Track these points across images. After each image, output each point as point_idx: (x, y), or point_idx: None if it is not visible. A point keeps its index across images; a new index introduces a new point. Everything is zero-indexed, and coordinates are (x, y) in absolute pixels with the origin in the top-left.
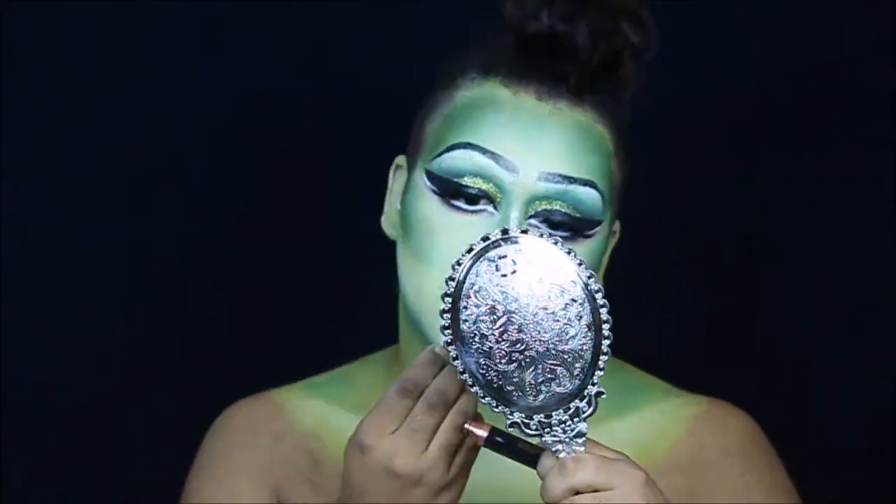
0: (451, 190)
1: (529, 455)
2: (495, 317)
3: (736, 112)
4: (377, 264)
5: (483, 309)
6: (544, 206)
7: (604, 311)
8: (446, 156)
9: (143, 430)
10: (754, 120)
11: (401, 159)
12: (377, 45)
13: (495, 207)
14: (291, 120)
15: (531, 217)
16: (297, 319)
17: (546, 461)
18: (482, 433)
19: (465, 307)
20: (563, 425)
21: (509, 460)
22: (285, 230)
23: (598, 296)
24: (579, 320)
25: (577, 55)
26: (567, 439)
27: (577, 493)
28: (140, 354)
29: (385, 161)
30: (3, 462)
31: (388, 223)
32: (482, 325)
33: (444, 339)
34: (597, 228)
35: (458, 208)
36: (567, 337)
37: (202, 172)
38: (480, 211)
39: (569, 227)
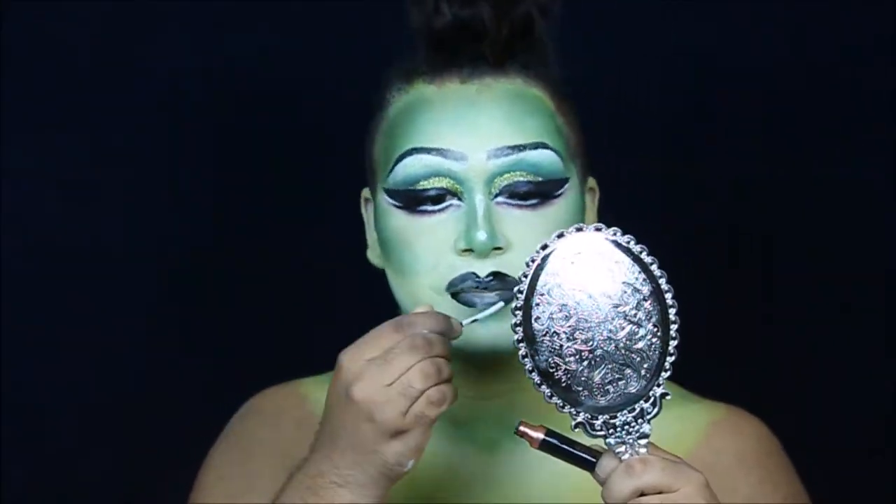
0: (412, 199)
1: (586, 457)
2: (566, 314)
3: (736, 112)
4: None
5: (554, 307)
6: (505, 180)
7: (672, 311)
8: (397, 168)
9: (144, 430)
10: (755, 120)
11: (366, 192)
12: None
13: (460, 199)
14: (293, 120)
15: (497, 196)
16: (297, 319)
17: (607, 463)
18: (538, 435)
19: (538, 304)
20: (627, 426)
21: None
22: (286, 230)
23: (668, 296)
24: (649, 320)
25: (486, 32)
26: (631, 440)
27: (643, 494)
28: (140, 354)
29: None
30: (3, 462)
31: (373, 254)
32: (553, 324)
33: (515, 336)
34: (565, 186)
35: (425, 212)
36: (637, 337)
37: (203, 172)
38: (447, 207)
39: (536, 194)
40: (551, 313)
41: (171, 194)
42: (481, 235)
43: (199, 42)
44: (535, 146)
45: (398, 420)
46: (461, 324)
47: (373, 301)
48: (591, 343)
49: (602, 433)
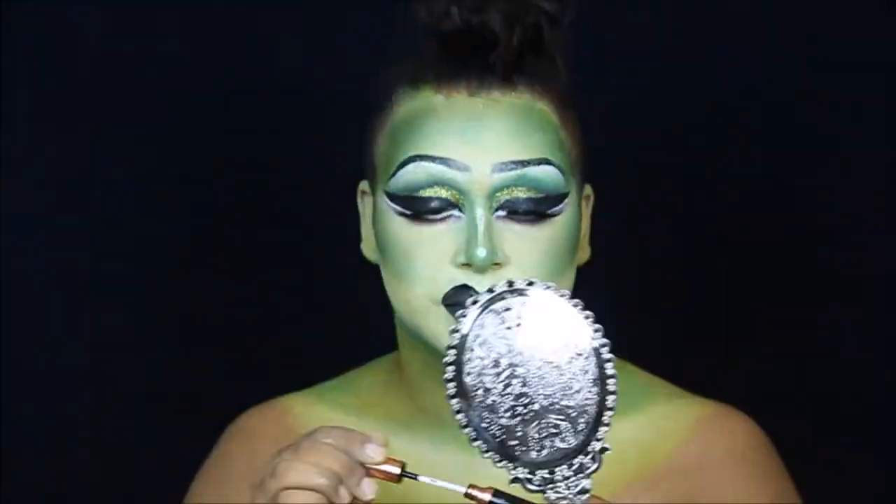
0: (413, 206)
1: None
2: (499, 370)
3: (735, 113)
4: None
5: (487, 361)
6: (506, 195)
7: (609, 365)
8: (399, 174)
9: (144, 430)
10: (755, 121)
11: (364, 185)
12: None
13: (460, 210)
14: (295, 119)
15: (497, 210)
16: (297, 319)
17: None
18: (485, 497)
19: (469, 359)
20: (566, 481)
21: None
22: (287, 231)
23: (604, 350)
24: (584, 374)
25: (495, 41)
26: (571, 496)
27: None
28: (141, 354)
29: None
30: (3, 462)
31: (368, 248)
32: (486, 378)
33: (447, 391)
34: (565, 201)
35: (426, 220)
36: (571, 391)
37: (204, 172)
38: (447, 217)
39: (535, 211)
40: (483, 367)
41: (172, 194)
42: (481, 252)
43: (199, 39)
44: (539, 162)
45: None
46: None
47: (375, 301)
48: (524, 398)
49: (540, 488)
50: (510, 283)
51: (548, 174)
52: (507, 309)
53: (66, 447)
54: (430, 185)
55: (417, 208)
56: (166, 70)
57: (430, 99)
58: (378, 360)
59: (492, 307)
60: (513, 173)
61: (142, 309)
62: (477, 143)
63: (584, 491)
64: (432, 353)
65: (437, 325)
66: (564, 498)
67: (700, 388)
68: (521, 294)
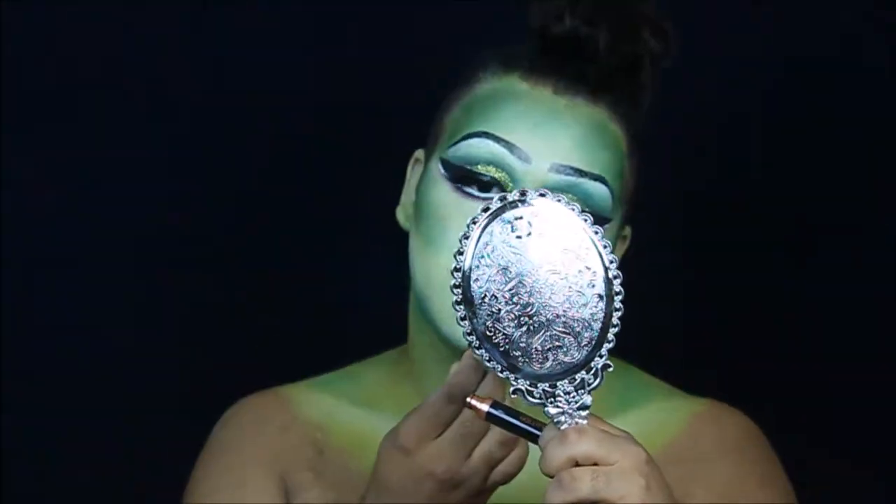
0: (464, 177)
1: (530, 429)
2: (507, 278)
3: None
4: (380, 266)
5: (494, 270)
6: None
7: (616, 282)
8: (462, 144)
9: (144, 430)
10: (755, 121)
11: (419, 153)
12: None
13: None
14: (295, 119)
15: None
16: (298, 319)
17: (548, 433)
18: (484, 407)
19: (477, 266)
20: (567, 396)
21: None
22: (288, 232)
23: (612, 266)
24: (591, 288)
25: (596, 56)
26: (571, 410)
27: (577, 464)
28: (141, 354)
29: (401, 158)
30: (4, 462)
31: (403, 214)
32: (492, 286)
33: (454, 298)
34: (605, 226)
35: (470, 195)
36: (578, 305)
37: (204, 171)
38: (492, 198)
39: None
40: (490, 276)
41: (172, 193)
42: None
43: (199, 39)
44: (595, 178)
45: (484, 483)
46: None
47: (377, 304)
48: (530, 308)
49: (540, 401)
50: (522, 193)
51: (600, 193)
52: (518, 218)
53: (66, 447)
54: (488, 162)
55: (468, 179)
56: (166, 70)
57: (516, 85)
58: (379, 355)
59: (502, 215)
60: (569, 179)
61: (142, 309)
62: (547, 138)
63: (584, 406)
64: (441, 339)
65: (444, 305)
66: (564, 412)
67: (695, 386)
68: (531, 204)
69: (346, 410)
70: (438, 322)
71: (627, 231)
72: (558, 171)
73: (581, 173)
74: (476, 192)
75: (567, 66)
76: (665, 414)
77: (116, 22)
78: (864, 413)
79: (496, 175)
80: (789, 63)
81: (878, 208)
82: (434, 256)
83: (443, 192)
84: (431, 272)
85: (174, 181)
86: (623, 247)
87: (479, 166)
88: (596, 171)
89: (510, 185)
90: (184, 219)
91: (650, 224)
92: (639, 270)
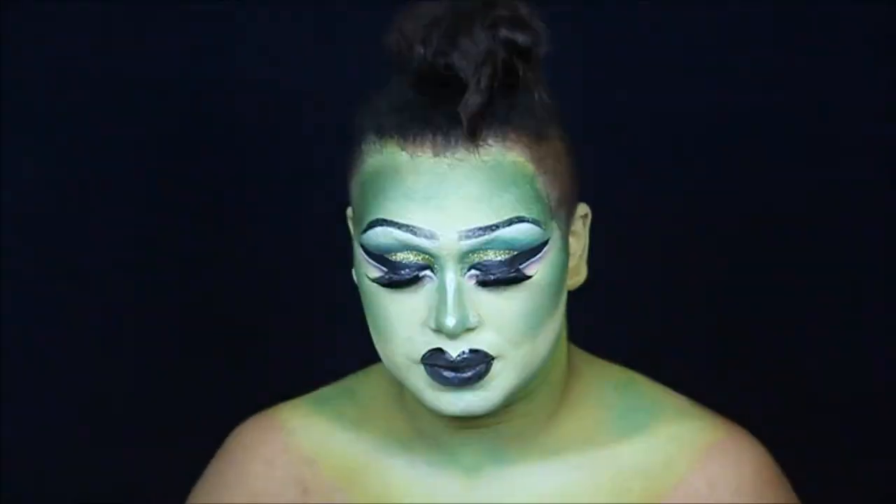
0: (387, 261)
1: None
2: None
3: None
4: None
5: None
6: (476, 258)
7: None
8: (370, 233)
9: (144, 430)
10: (755, 121)
11: (350, 211)
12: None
13: (433, 271)
14: (296, 118)
15: (470, 269)
16: (297, 320)
17: None
18: None
19: None
20: None
21: None
22: (288, 231)
23: None
24: None
25: (463, 87)
26: None
27: None
28: (141, 354)
29: None
30: (3, 461)
31: (355, 275)
32: None
33: None
34: (544, 249)
35: (399, 283)
36: None
37: (204, 171)
38: (421, 279)
39: (507, 274)
40: None
41: (172, 193)
42: (450, 321)
43: (199, 38)
44: (510, 222)
45: None
46: None
47: None
48: None
49: None
50: None
51: (522, 232)
52: None
53: (66, 447)
54: (399, 249)
55: (391, 267)
56: (166, 69)
57: (395, 157)
58: (378, 364)
59: None
60: (482, 238)
61: (142, 309)
62: (442, 209)
63: None
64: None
65: (417, 382)
66: None
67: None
68: None
69: (339, 437)
70: (415, 392)
71: (585, 209)
72: (468, 237)
73: (492, 228)
74: (404, 278)
75: (436, 111)
76: (675, 446)
77: (116, 23)
78: (864, 413)
79: (413, 259)
80: (789, 63)
81: (879, 208)
82: (389, 348)
83: (375, 288)
84: (393, 360)
85: (174, 181)
86: (586, 224)
87: (393, 255)
88: (506, 217)
89: (431, 260)
90: (184, 218)
91: (650, 224)
92: (638, 270)
